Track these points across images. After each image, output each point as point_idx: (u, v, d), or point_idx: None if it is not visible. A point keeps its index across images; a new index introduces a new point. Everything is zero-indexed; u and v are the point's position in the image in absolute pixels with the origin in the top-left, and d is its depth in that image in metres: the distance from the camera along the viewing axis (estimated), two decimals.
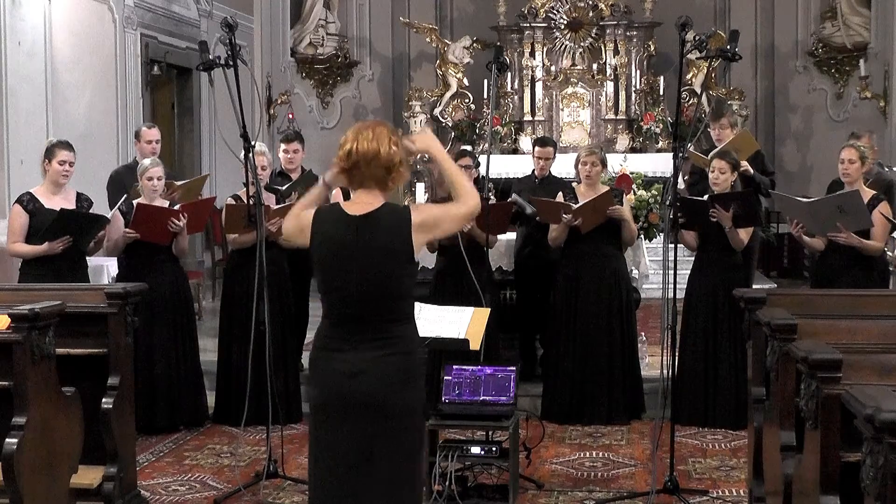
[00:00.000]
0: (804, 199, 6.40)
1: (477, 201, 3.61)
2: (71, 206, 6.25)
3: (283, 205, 6.59)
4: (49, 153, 6.25)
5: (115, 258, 6.96)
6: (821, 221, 6.13)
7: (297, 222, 3.63)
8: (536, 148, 7.53)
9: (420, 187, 11.29)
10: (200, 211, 6.85)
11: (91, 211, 6.42)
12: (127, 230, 6.41)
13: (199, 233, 9.04)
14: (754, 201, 6.57)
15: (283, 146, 7.42)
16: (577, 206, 6.56)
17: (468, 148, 11.41)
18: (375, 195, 3.54)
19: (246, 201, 5.81)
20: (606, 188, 6.85)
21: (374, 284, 3.48)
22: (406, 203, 7.49)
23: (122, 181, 7.22)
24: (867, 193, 6.22)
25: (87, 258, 6.53)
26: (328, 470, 3.52)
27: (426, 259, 6.78)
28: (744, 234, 6.48)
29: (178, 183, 7.32)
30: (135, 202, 6.48)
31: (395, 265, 3.50)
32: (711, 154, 7.81)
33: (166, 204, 6.60)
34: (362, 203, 3.53)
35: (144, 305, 5.66)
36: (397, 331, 3.52)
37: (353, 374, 3.46)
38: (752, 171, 7.24)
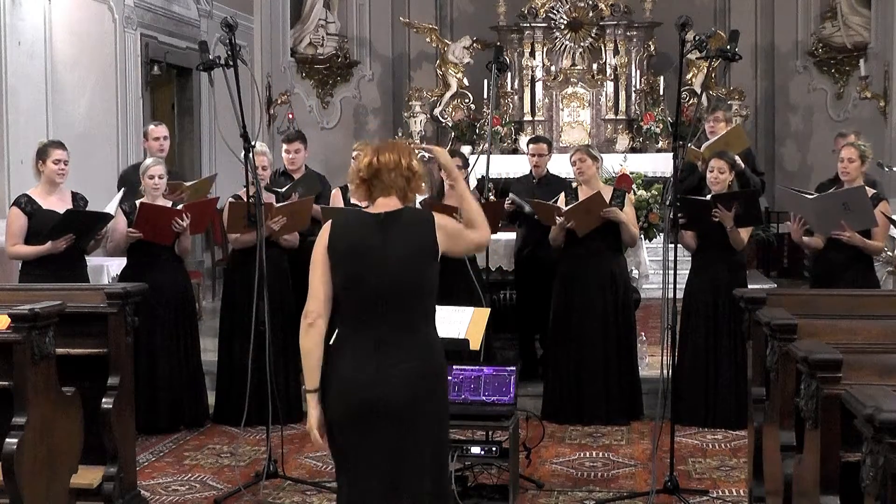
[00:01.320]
0: (809, 196, 6.38)
1: (489, 235, 3.82)
2: (68, 205, 6.23)
3: (285, 202, 6.59)
4: (42, 153, 6.22)
5: (118, 258, 6.95)
6: (825, 219, 6.10)
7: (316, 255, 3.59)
8: (530, 146, 7.51)
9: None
10: (203, 211, 6.84)
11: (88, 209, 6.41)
12: (130, 230, 6.40)
13: (201, 233, 9.05)
14: (756, 201, 6.57)
15: (285, 146, 7.42)
16: (567, 208, 6.55)
17: (467, 149, 11.38)
18: (395, 202, 3.60)
19: (246, 201, 5.81)
20: (607, 188, 6.84)
21: (401, 281, 3.49)
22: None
23: (131, 181, 7.20)
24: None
25: (87, 258, 6.52)
26: (363, 485, 3.46)
27: None
28: (745, 234, 6.48)
29: (187, 183, 7.32)
30: (138, 202, 6.48)
31: (422, 261, 3.53)
32: (704, 146, 7.80)
33: (169, 203, 6.60)
34: (383, 205, 3.59)
35: (146, 305, 5.66)
36: (419, 335, 3.50)
37: (376, 383, 3.42)
38: (742, 165, 7.22)
